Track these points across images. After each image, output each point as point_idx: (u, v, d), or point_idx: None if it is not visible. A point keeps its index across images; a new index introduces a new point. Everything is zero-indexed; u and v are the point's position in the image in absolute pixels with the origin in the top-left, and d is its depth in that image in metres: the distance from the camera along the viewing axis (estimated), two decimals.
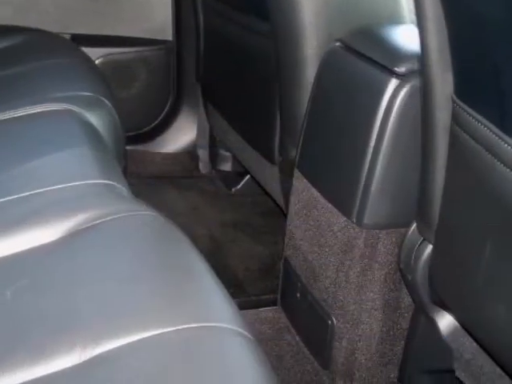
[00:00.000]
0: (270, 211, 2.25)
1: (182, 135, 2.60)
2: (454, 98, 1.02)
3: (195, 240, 1.08)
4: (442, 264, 1.14)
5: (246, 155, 2.06)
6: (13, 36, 2.02)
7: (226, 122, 2.19)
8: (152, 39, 2.46)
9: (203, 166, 2.54)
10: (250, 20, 1.87)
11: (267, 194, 2.02)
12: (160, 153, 2.59)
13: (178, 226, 1.11)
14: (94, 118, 1.57)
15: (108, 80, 2.00)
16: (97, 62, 2.34)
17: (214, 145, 2.44)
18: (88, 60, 2.03)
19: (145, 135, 2.56)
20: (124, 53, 2.43)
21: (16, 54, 1.92)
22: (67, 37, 2.37)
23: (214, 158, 2.47)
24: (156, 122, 2.55)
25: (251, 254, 2.05)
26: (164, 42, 2.48)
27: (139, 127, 2.53)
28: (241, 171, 2.37)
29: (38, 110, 1.52)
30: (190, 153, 2.59)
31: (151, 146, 2.59)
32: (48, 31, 2.12)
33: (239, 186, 2.41)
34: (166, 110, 2.54)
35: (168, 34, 2.48)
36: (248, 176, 2.34)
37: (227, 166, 2.45)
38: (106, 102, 1.67)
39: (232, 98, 2.08)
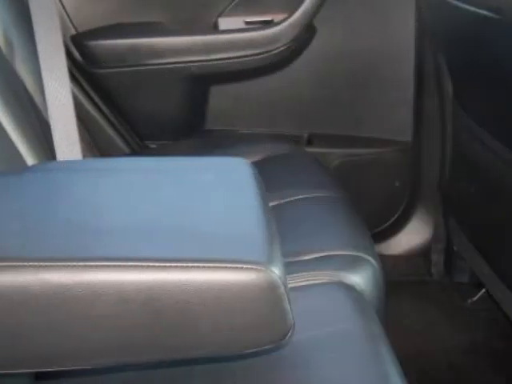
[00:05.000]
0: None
1: (415, 238, 2.52)
2: None
3: None
4: None
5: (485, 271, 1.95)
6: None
7: (468, 240, 2.08)
8: (389, 140, 2.39)
9: (436, 272, 2.44)
10: None
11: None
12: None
13: None
14: None
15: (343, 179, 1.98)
16: (334, 162, 2.31)
17: (449, 252, 2.34)
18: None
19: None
20: (361, 154, 2.38)
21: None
22: (305, 135, 2.34)
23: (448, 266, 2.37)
24: (386, 225, 2.48)
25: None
26: (402, 142, 2.39)
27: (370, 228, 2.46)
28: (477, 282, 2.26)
29: None
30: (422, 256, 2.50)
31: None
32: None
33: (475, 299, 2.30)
34: (398, 213, 2.46)
35: (407, 135, 2.39)
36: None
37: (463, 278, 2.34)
38: None
39: (479, 221, 1.97)
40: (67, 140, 1.41)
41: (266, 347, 0.89)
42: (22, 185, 0.99)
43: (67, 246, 0.83)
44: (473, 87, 1.88)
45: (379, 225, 2.49)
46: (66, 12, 2.14)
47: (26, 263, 0.79)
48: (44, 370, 0.88)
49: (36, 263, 0.79)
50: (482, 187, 1.95)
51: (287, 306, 0.84)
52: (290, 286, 0.87)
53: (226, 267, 0.81)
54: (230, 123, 2.37)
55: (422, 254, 2.52)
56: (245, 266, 0.81)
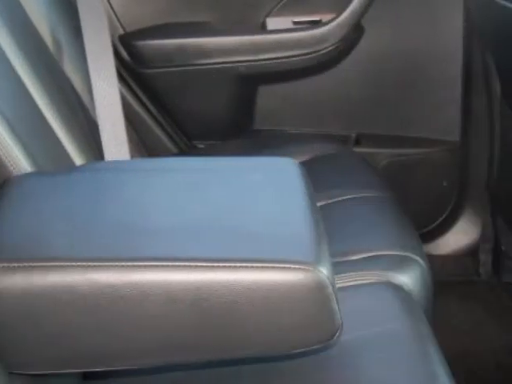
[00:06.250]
0: None
1: (462, 238, 2.49)
2: None
3: None
4: None
5: None
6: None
7: None
8: (437, 140, 2.37)
9: (484, 272, 2.41)
10: None
11: None
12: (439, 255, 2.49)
13: None
14: None
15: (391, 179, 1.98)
16: (382, 162, 2.29)
17: (497, 252, 2.31)
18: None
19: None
20: (409, 154, 2.36)
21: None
22: (353, 135, 2.33)
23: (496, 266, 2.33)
24: (434, 225, 2.45)
25: None
26: (450, 142, 2.37)
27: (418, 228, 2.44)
28: None
29: None
30: (470, 256, 2.47)
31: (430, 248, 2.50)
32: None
33: None
34: (446, 213, 2.44)
35: (455, 135, 2.36)
36: None
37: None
38: None
39: None
40: (115, 140, 1.41)
41: (313, 347, 0.88)
42: (71, 184, 1.00)
43: (115, 246, 0.83)
44: None
45: (427, 225, 2.46)
46: (114, 12, 2.15)
47: (74, 263, 0.79)
48: (92, 370, 0.88)
49: (84, 263, 0.79)
50: None
51: (335, 306, 0.84)
52: (337, 286, 0.87)
53: (274, 267, 0.81)
54: (277, 123, 2.36)
55: (469, 253, 2.48)
56: (293, 266, 0.80)
